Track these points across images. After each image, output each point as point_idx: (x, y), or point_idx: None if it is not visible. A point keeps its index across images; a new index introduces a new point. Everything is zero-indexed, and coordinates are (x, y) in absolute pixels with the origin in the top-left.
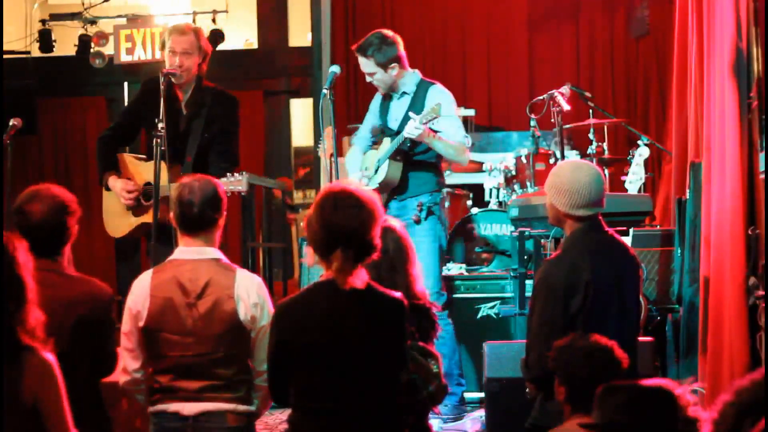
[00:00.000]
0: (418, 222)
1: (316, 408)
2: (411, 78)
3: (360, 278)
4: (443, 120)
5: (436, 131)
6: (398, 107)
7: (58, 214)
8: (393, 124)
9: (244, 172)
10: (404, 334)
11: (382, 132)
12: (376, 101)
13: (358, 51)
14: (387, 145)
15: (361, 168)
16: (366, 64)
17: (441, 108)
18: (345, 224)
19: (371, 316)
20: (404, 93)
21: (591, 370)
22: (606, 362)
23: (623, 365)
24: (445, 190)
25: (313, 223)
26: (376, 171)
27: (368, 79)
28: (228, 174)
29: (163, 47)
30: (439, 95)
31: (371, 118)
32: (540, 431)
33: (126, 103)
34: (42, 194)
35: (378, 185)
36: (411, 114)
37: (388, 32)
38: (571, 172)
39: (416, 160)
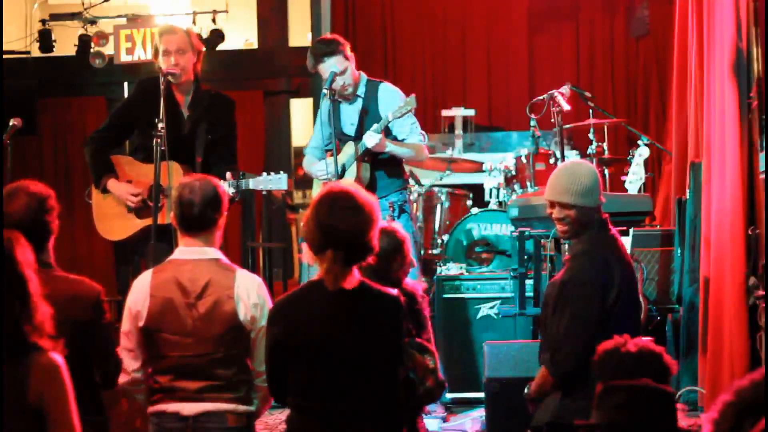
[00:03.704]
0: (391, 221)
1: (313, 408)
2: (362, 81)
3: (350, 280)
4: (400, 119)
5: (392, 135)
6: (352, 111)
7: (36, 212)
8: (349, 129)
9: (282, 172)
10: (401, 331)
11: (338, 139)
12: (324, 110)
13: (324, 57)
14: (351, 149)
15: (328, 172)
16: (335, 63)
17: (377, 95)
18: (338, 226)
19: (365, 315)
20: (358, 96)
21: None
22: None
23: (672, 372)
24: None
25: (309, 222)
26: (342, 175)
27: (340, 81)
28: (264, 173)
29: (156, 54)
30: (391, 93)
31: (322, 128)
32: (560, 428)
33: (119, 104)
34: (19, 192)
35: None
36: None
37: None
38: (581, 168)
39: (382, 159)
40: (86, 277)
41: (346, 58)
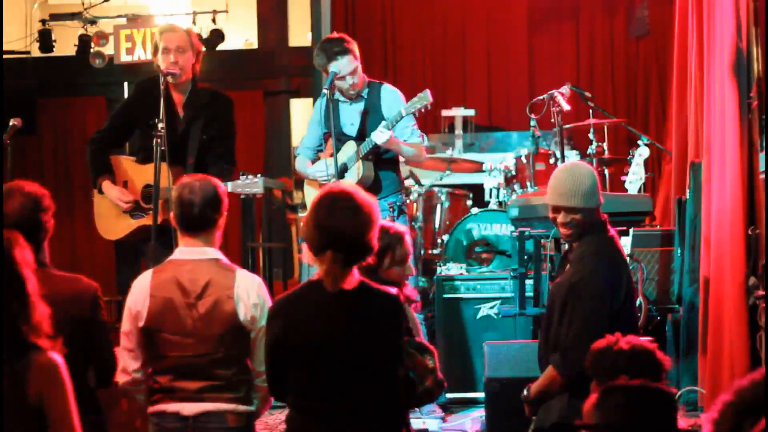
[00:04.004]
0: (392, 221)
1: (312, 407)
2: (364, 82)
3: (350, 281)
4: (402, 120)
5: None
6: (353, 111)
7: (32, 212)
8: (349, 129)
9: (260, 175)
10: (400, 330)
11: (338, 139)
12: (319, 111)
13: (338, 55)
14: (351, 148)
15: (328, 173)
16: (348, 63)
17: (379, 96)
18: (337, 227)
19: (364, 315)
20: (360, 96)
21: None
22: (652, 364)
23: (665, 367)
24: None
25: (308, 222)
26: (343, 174)
27: (350, 81)
28: (242, 176)
29: (155, 51)
30: (393, 94)
31: (316, 129)
32: (568, 429)
33: (119, 105)
34: (14, 192)
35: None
36: (378, 134)
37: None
38: (581, 170)
39: (383, 159)
40: (83, 275)
41: (356, 58)
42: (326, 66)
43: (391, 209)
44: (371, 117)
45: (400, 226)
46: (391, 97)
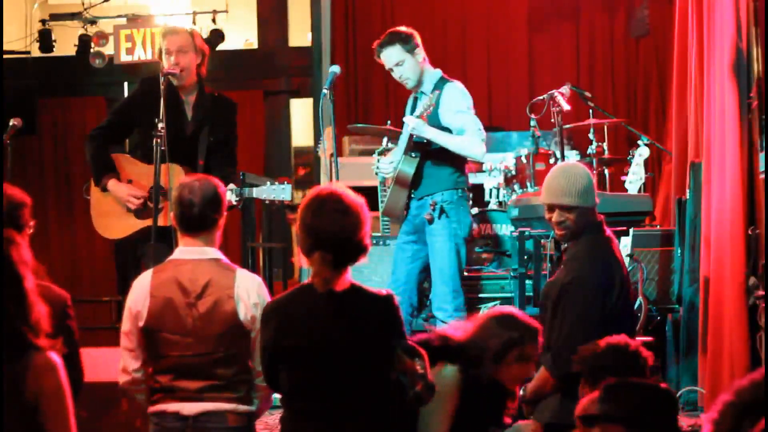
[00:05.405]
0: (431, 221)
1: (304, 408)
2: (431, 77)
3: (341, 282)
4: (453, 115)
5: (444, 127)
6: (419, 108)
7: (8, 214)
8: None
9: (286, 182)
10: (392, 331)
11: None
12: (408, 108)
13: (382, 45)
14: (402, 143)
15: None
16: (392, 54)
17: (440, 96)
18: (324, 228)
19: (355, 317)
20: (422, 93)
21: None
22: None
23: (650, 363)
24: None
25: (297, 225)
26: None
27: (398, 73)
28: (269, 182)
29: (160, 54)
30: (451, 92)
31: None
32: (560, 429)
33: (120, 102)
34: None
35: (394, 182)
36: (405, 118)
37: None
38: (576, 169)
39: (433, 157)
40: (54, 284)
41: (408, 51)
42: (378, 58)
43: (432, 208)
44: (429, 115)
45: (536, 322)
46: (448, 95)
